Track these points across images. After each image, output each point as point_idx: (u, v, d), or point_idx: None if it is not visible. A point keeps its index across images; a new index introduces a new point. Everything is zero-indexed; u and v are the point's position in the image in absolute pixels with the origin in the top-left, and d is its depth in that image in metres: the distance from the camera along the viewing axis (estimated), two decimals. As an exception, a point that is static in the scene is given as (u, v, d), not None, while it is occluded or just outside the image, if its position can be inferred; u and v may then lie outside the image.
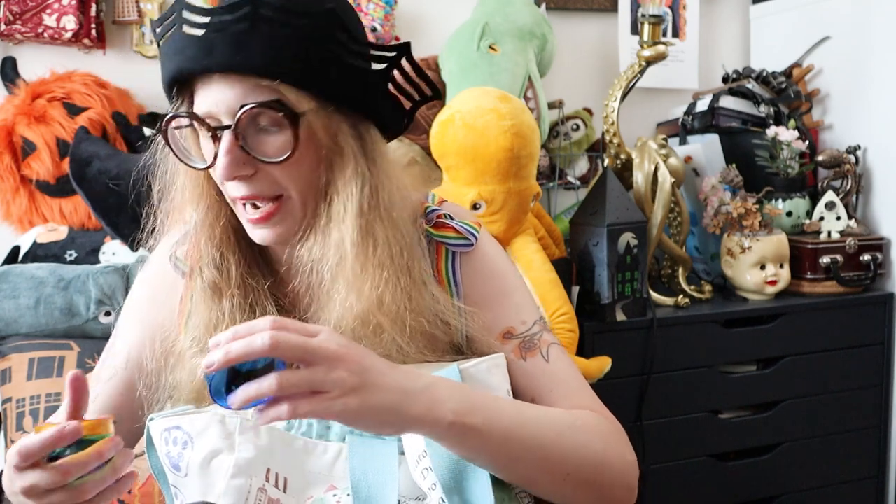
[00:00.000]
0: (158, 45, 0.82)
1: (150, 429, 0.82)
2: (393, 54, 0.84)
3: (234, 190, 0.80)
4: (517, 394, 0.87)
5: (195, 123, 0.80)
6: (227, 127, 0.77)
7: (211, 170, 0.80)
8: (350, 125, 0.81)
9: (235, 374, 0.64)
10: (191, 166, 0.82)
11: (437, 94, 0.90)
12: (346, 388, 0.64)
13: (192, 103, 0.81)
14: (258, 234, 0.82)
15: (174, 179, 0.86)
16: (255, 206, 0.81)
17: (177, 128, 0.81)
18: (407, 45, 0.85)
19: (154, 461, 0.83)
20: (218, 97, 0.77)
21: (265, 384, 0.62)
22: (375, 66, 0.83)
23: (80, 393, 0.71)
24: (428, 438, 0.74)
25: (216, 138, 0.78)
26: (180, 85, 0.81)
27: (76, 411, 0.71)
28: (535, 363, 0.87)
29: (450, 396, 0.70)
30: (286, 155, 0.78)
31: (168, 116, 0.80)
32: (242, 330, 0.63)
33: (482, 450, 0.73)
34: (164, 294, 0.91)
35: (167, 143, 0.81)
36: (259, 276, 0.87)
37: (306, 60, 0.76)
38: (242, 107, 0.76)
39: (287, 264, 0.88)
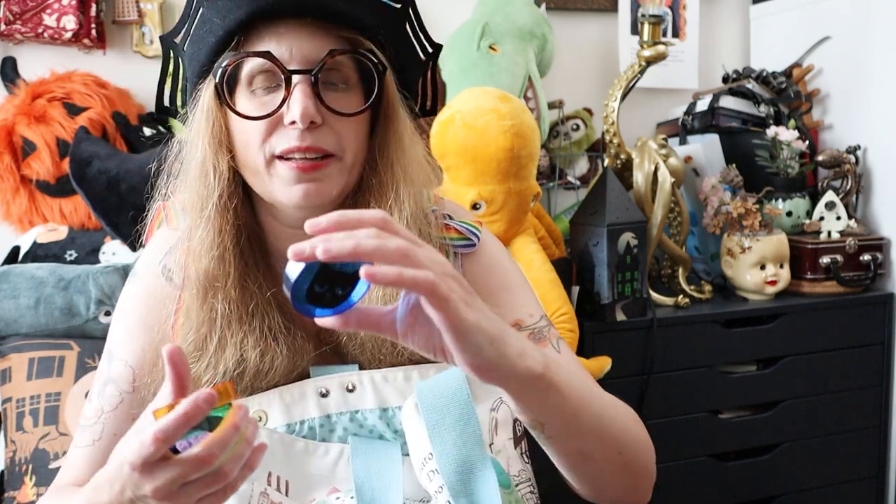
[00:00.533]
0: None
1: None
2: (432, 50, 0.87)
3: (292, 140, 0.76)
4: None
5: (260, 71, 0.76)
6: (307, 71, 0.75)
7: (257, 123, 0.77)
8: (404, 99, 0.83)
9: (322, 273, 0.57)
10: (246, 116, 0.78)
11: (433, 111, 0.93)
12: (461, 297, 0.59)
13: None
14: (300, 190, 0.77)
15: (190, 158, 0.82)
16: (301, 159, 0.77)
17: (226, 83, 0.78)
18: (440, 48, 0.88)
19: None
20: (294, 43, 0.76)
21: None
22: (421, 54, 0.85)
23: (181, 367, 0.63)
24: (504, 392, 0.67)
25: (287, 85, 0.75)
26: (245, 29, 0.77)
27: (183, 389, 0.63)
28: (551, 353, 0.86)
29: (533, 348, 0.66)
30: (364, 107, 0.78)
31: (235, 57, 0.77)
32: (351, 218, 0.57)
33: (558, 410, 0.67)
34: (156, 312, 0.86)
35: (220, 89, 0.78)
36: (261, 282, 0.83)
37: (389, 22, 0.78)
38: (332, 51, 0.75)
39: None
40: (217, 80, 0.78)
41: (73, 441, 0.87)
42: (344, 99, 0.78)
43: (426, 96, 0.92)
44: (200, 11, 0.80)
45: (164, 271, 0.88)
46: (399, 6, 0.83)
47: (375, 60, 0.78)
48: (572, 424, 0.69)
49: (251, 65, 0.77)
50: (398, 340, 0.63)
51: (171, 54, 0.85)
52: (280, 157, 0.78)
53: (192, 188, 0.82)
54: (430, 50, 0.88)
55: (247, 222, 0.84)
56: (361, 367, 0.83)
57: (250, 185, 0.82)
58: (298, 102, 0.74)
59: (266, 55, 0.75)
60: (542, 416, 0.68)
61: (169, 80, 0.86)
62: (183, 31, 0.83)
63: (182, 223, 0.86)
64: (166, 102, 0.87)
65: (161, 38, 0.85)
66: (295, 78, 0.75)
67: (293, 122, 0.76)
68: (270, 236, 0.86)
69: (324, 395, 0.81)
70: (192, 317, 0.81)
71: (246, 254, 0.83)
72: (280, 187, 0.78)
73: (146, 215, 0.91)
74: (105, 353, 0.89)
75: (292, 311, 0.85)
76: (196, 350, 0.81)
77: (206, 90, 0.80)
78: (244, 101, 0.79)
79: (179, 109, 0.87)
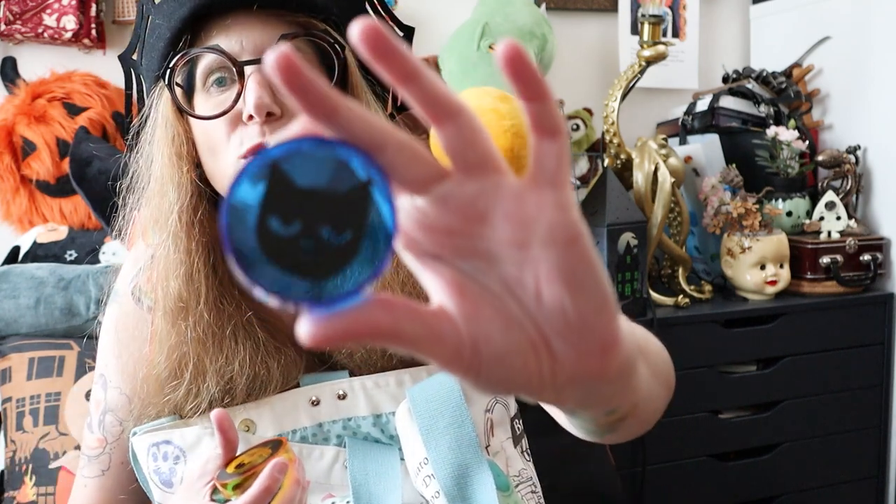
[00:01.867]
0: None
1: (133, 444, 0.78)
2: (402, 34, 0.82)
3: (254, 137, 0.71)
4: None
5: (213, 68, 0.71)
6: (259, 61, 0.71)
7: (219, 120, 0.72)
8: (370, 85, 0.78)
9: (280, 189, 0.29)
10: (199, 117, 0.73)
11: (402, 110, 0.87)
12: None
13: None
14: None
15: (149, 166, 0.78)
16: None
17: (178, 84, 0.74)
18: (413, 30, 0.83)
19: (140, 478, 0.80)
20: (244, 34, 0.72)
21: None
22: None
23: (230, 432, 0.65)
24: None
25: (241, 78, 0.71)
26: (192, 28, 0.73)
27: (230, 450, 0.66)
28: None
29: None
30: None
31: (182, 55, 0.72)
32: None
33: (645, 378, 0.49)
34: (134, 334, 0.82)
35: (172, 93, 0.73)
36: (239, 300, 0.77)
37: (344, 1, 0.74)
38: (283, 36, 0.71)
39: None
40: (166, 83, 0.74)
41: (80, 470, 0.85)
42: None
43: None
44: (150, 20, 0.76)
45: (135, 292, 0.84)
46: None
47: (331, 40, 0.74)
48: (652, 384, 0.54)
49: (204, 64, 0.73)
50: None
51: (133, 73, 0.81)
52: (245, 159, 0.72)
53: (152, 205, 0.77)
54: (401, 34, 0.83)
55: (216, 236, 0.78)
56: (351, 374, 0.80)
57: (221, 194, 0.77)
58: (252, 92, 0.69)
59: (214, 49, 0.71)
60: (637, 396, 0.47)
61: (135, 101, 0.82)
62: (138, 46, 0.79)
63: (154, 239, 0.80)
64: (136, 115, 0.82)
65: (119, 57, 0.81)
66: (248, 69, 0.71)
67: (251, 117, 0.71)
68: None
69: (315, 404, 0.78)
70: (164, 342, 0.76)
71: (219, 271, 0.78)
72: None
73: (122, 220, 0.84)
74: (98, 379, 0.86)
75: (278, 326, 0.80)
76: (171, 378, 0.76)
77: (161, 99, 0.76)
78: (201, 103, 0.74)
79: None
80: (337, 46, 0.74)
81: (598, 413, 0.46)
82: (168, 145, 0.76)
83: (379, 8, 0.82)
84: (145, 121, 0.79)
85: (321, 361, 0.82)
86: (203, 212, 0.77)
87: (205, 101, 0.74)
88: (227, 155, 0.73)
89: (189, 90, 0.76)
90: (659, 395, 0.59)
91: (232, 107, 0.72)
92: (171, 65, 0.73)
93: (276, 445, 0.66)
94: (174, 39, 0.73)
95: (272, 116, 0.71)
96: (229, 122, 0.73)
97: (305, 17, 0.74)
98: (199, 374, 0.76)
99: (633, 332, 0.54)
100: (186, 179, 0.76)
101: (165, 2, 0.74)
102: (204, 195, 0.77)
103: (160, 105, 0.77)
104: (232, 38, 0.72)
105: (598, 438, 0.57)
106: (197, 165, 0.77)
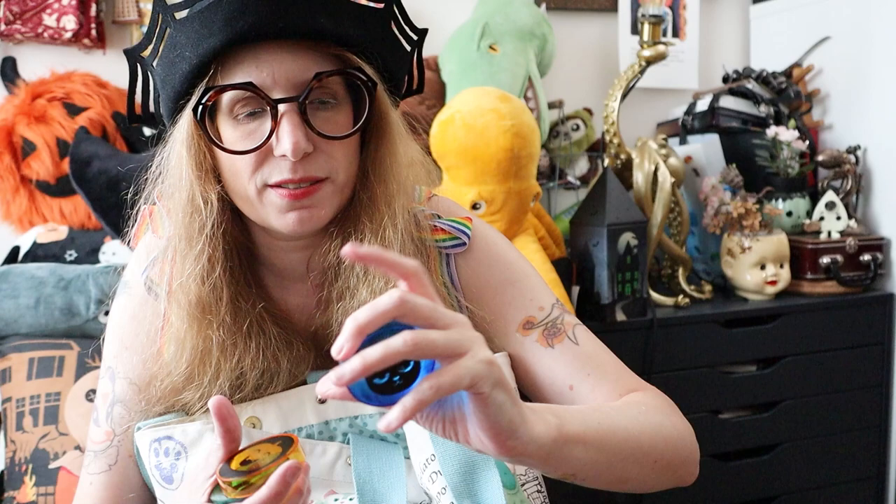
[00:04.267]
0: (188, 8, 0.72)
1: (136, 439, 0.78)
2: (416, 37, 0.82)
3: (285, 172, 0.72)
4: (550, 384, 0.81)
5: (242, 98, 0.71)
6: (294, 98, 0.70)
7: (250, 155, 0.72)
8: (392, 98, 0.79)
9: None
10: (231, 151, 0.73)
11: (419, 89, 0.88)
12: (483, 358, 0.52)
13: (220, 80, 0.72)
14: (294, 217, 0.73)
15: (175, 176, 0.77)
16: (294, 188, 0.73)
17: (205, 111, 0.73)
18: (426, 31, 0.83)
19: (144, 474, 0.80)
20: (276, 66, 0.70)
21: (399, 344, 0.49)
22: (406, 45, 0.81)
23: (230, 420, 0.63)
24: (489, 457, 0.66)
25: (274, 115, 0.71)
26: (221, 57, 0.71)
27: (232, 441, 0.63)
28: (564, 348, 0.82)
29: (542, 410, 0.60)
30: (355, 128, 0.73)
31: (215, 91, 0.71)
32: (366, 315, 0.50)
33: (584, 459, 0.63)
34: (147, 326, 0.83)
35: (202, 126, 0.73)
36: (254, 298, 0.79)
37: (374, 28, 0.73)
38: (318, 75, 0.70)
39: (286, 281, 0.83)
40: (198, 118, 0.73)
41: (86, 468, 0.84)
42: (333, 119, 0.74)
43: (412, 78, 0.86)
44: (168, 32, 0.74)
45: (147, 283, 0.84)
46: (382, 6, 0.78)
47: (364, 78, 0.74)
48: (601, 463, 0.65)
49: (232, 93, 0.72)
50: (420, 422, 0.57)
51: (140, 67, 0.80)
52: (272, 185, 0.74)
53: (180, 222, 0.77)
54: (415, 38, 0.83)
55: (237, 240, 0.80)
56: None
57: (241, 209, 0.78)
58: (289, 136, 0.70)
59: (248, 87, 0.70)
60: (570, 469, 0.63)
61: (139, 91, 0.82)
62: (151, 49, 0.78)
63: (166, 231, 0.81)
64: (138, 111, 0.82)
65: (126, 52, 0.80)
66: (281, 107, 0.71)
67: (284, 155, 0.71)
68: (262, 249, 0.83)
69: (321, 402, 0.78)
70: (187, 347, 0.77)
71: (236, 272, 0.79)
72: (273, 214, 0.74)
73: (132, 218, 0.85)
74: (105, 371, 0.85)
75: (289, 321, 0.82)
76: (188, 381, 0.77)
77: (186, 119, 0.75)
78: (228, 129, 0.74)
79: (158, 121, 0.82)
80: (370, 83, 0.74)
81: (560, 475, 0.63)
82: (193, 165, 0.76)
83: (402, 23, 0.81)
84: (171, 132, 0.78)
85: (329, 359, 0.82)
86: (226, 221, 0.77)
87: (232, 129, 0.74)
88: (251, 180, 0.74)
89: (213, 112, 0.75)
90: (645, 469, 0.71)
91: (265, 143, 0.71)
92: (202, 101, 0.72)
93: (286, 444, 0.61)
94: (202, 67, 0.72)
95: (305, 154, 0.72)
96: (259, 154, 0.73)
97: (337, 49, 0.73)
98: (215, 376, 0.77)
99: (586, 418, 0.65)
100: (214, 196, 0.76)
101: (189, 21, 0.72)
102: (226, 206, 0.78)
103: (185, 125, 0.76)
104: (263, 71, 0.71)
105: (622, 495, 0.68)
106: (218, 179, 0.77)
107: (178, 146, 0.76)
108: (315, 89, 0.71)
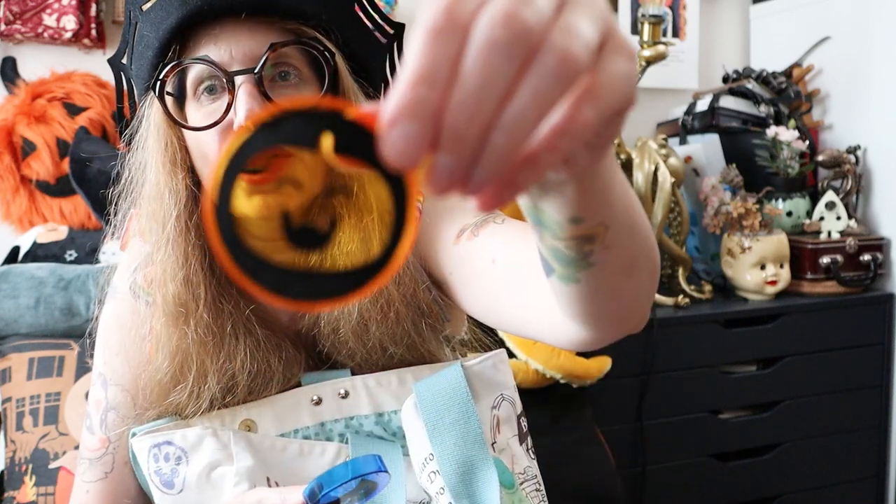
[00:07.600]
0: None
1: (132, 445, 0.78)
2: (392, 31, 0.81)
3: None
4: (481, 269, 0.74)
5: (204, 77, 0.71)
6: (250, 70, 0.71)
7: (210, 132, 0.71)
8: (360, 89, 0.77)
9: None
10: (191, 128, 0.73)
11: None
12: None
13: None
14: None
15: (144, 172, 0.77)
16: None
17: (169, 93, 0.73)
18: (403, 27, 0.81)
19: (141, 480, 0.80)
20: (233, 43, 0.71)
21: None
22: (381, 38, 0.80)
23: None
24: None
25: (231, 87, 0.71)
26: (180, 37, 0.72)
27: None
28: (491, 231, 0.75)
29: None
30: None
31: (171, 66, 0.71)
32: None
33: (620, 202, 0.49)
34: (136, 331, 0.82)
35: (163, 104, 0.73)
36: (237, 299, 0.77)
37: (332, 5, 0.73)
38: (272, 45, 0.70)
39: None
40: (157, 94, 0.73)
41: (81, 475, 0.84)
42: (296, 94, 0.73)
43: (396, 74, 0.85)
44: (137, 27, 0.75)
45: (133, 288, 0.84)
46: None
47: (321, 47, 0.73)
48: (628, 223, 0.51)
49: (194, 73, 0.72)
50: None
51: (123, 77, 0.80)
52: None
53: (148, 212, 0.77)
54: (391, 31, 0.82)
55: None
56: (353, 373, 0.80)
57: None
58: (243, 104, 0.69)
59: (202, 60, 0.71)
60: (608, 212, 0.48)
61: (127, 104, 0.82)
62: (127, 51, 0.78)
63: (150, 241, 0.80)
64: (129, 117, 0.82)
65: (109, 61, 0.81)
66: (238, 79, 0.71)
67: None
68: None
69: (317, 403, 0.78)
70: (165, 346, 0.77)
71: (217, 271, 0.78)
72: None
73: (117, 221, 0.84)
74: (97, 378, 0.85)
75: (278, 323, 0.82)
76: (174, 382, 0.77)
77: (152, 107, 0.76)
78: (193, 111, 0.74)
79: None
80: (327, 53, 0.74)
81: (563, 217, 0.48)
82: (161, 152, 0.76)
83: (369, 8, 0.80)
84: (137, 128, 0.79)
85: (321, 361, 0.82)
86: (198, 215, 0.76)
87: (196, 110, 0.74)
88: None
89: (180, 98, 0.76)
90: (649, 259, 0.57)
91: (223, 117, 0.71)
92: (160, 76, 0.73)
93: None
94: (162, 49, 0.73)
95: None
96: (221, 130, 0.72)
97: (294, 23, 0.73)
98: (201, 376, 0.76)
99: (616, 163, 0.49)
100: (181, 185, 0.76)
101: (152, 9, 0.73)
102: (199, 199, 0.77)
103: (151, 114, 0.76)
104: (221, 47, 0.71)
105: (574, 276, 0.53)
106: (191, 171, 0.77)
107: (147, 136, 0.77)
108: (274, 63, 0.72)
